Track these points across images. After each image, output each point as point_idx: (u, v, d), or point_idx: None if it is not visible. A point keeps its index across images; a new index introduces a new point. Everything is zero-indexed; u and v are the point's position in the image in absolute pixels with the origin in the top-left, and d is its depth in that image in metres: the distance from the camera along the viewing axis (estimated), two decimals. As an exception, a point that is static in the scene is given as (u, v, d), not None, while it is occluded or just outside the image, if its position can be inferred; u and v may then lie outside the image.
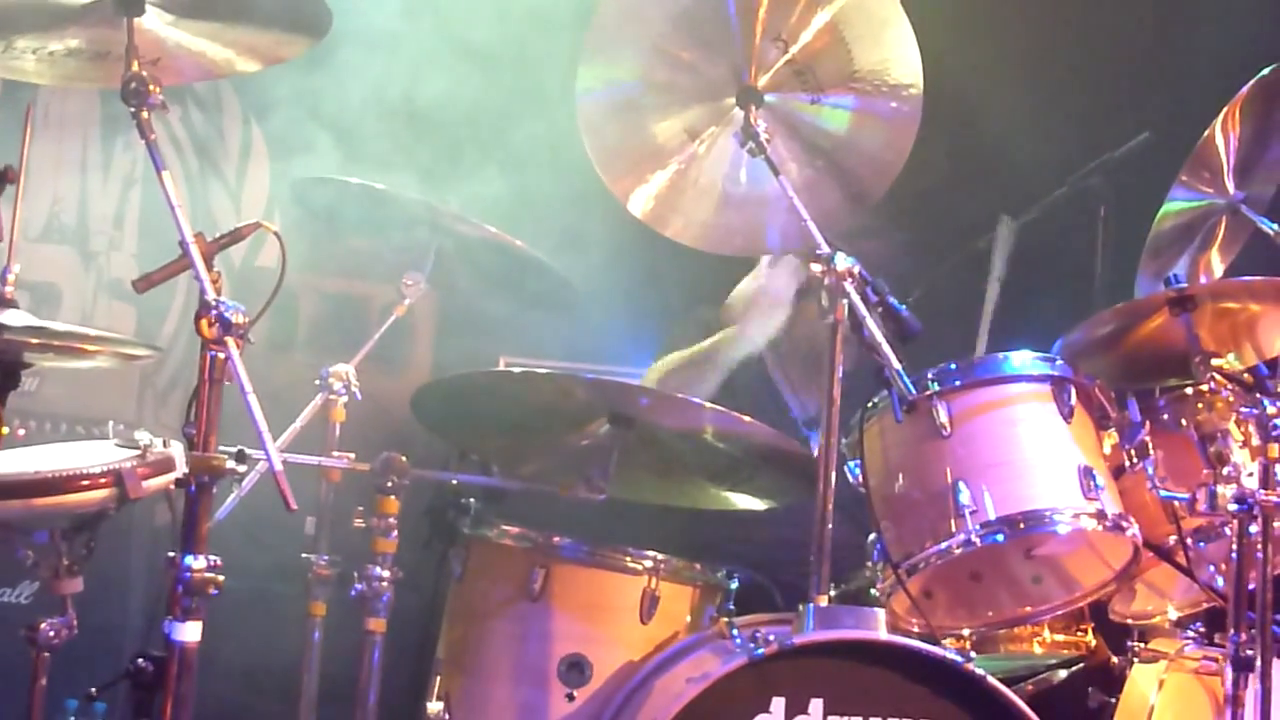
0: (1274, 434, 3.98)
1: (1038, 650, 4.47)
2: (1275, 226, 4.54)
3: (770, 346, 5.16)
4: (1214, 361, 4.17)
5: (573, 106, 4.33)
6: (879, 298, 3.92)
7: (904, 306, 3.97)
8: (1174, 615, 4.59)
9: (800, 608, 3.84)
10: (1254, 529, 3.94)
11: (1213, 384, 4.15)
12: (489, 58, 5.86)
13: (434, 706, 4.26)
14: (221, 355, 3.19)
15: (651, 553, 4.20)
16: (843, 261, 3.86)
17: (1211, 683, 4.32)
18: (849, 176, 4.39)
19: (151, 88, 3.44)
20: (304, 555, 4.59)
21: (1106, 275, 5.80)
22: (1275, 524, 3.95)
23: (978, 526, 3.96)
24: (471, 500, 4.36)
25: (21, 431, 5.37)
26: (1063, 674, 4.64)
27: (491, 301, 5.32)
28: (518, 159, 5.67)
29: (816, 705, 3.76)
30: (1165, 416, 4.31)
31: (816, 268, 3.89)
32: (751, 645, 3.75)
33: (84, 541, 3.60)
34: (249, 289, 5.85)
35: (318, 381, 4.60)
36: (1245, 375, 4.25)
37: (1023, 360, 4.18)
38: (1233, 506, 3.94)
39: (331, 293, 6.15)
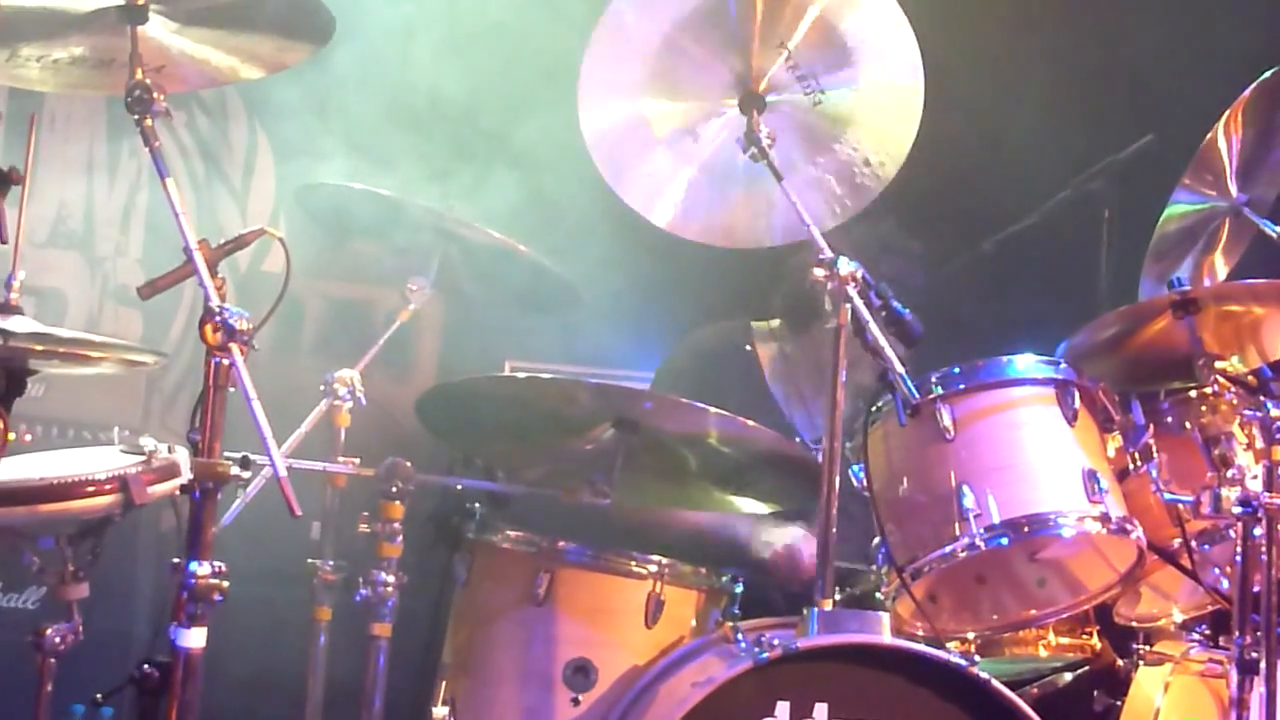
0: (1278, 436, 3.98)
1: (1043, 653, 4.48)
2: (1278, 229, 4.54)
3: (780, 362, 5.18)
4: (1218, 364, 4.17)
5: (576, 108, 4.33)
6: (882, 302, 3.92)
7: (907, 310, 3.98)
8: (1179, 618, 4.59)
9: (804, 612, 3.84)
10: (1258, 531, 3.93)
11: (1216, 387, 4.16)
12: (493, 62, 5.87)
13: (439, 711, 4.27)
14: (226, 361, 3.19)
15: (656, 557, 4.20)
16: (845, 266, 3.86)
17: (1217, 685, 4.33)
18: (855, 169, 4.38)
19: (155, 95, 3.45)
20: (309, 560, 4.60)
21: (1110, 278, 5.80)
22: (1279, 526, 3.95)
23: (982, 530, 3.96)
24: (476, 505, 4.36)
25: (28, 437, 5.38)
26: (1068, 677, 4.64)
27: (496, 306, 5.33)
28: (523, 164, 5.68)
29: (821, 709, 3.76)
30: (1169, 419, 4.32)
31: (820, 272, 3.89)
32: (756, 649, 3.75)
33: (90, 547, 3.60)
34: (254, 294, 5.88)
35: (323, 387, 4.60)
36: (1249, 378, 4.25)
37: (1026, 363, 4.18)
38: (1237, 509, 3.94)
39: (337, 298, 6.16)
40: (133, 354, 3.75)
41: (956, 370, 4.14)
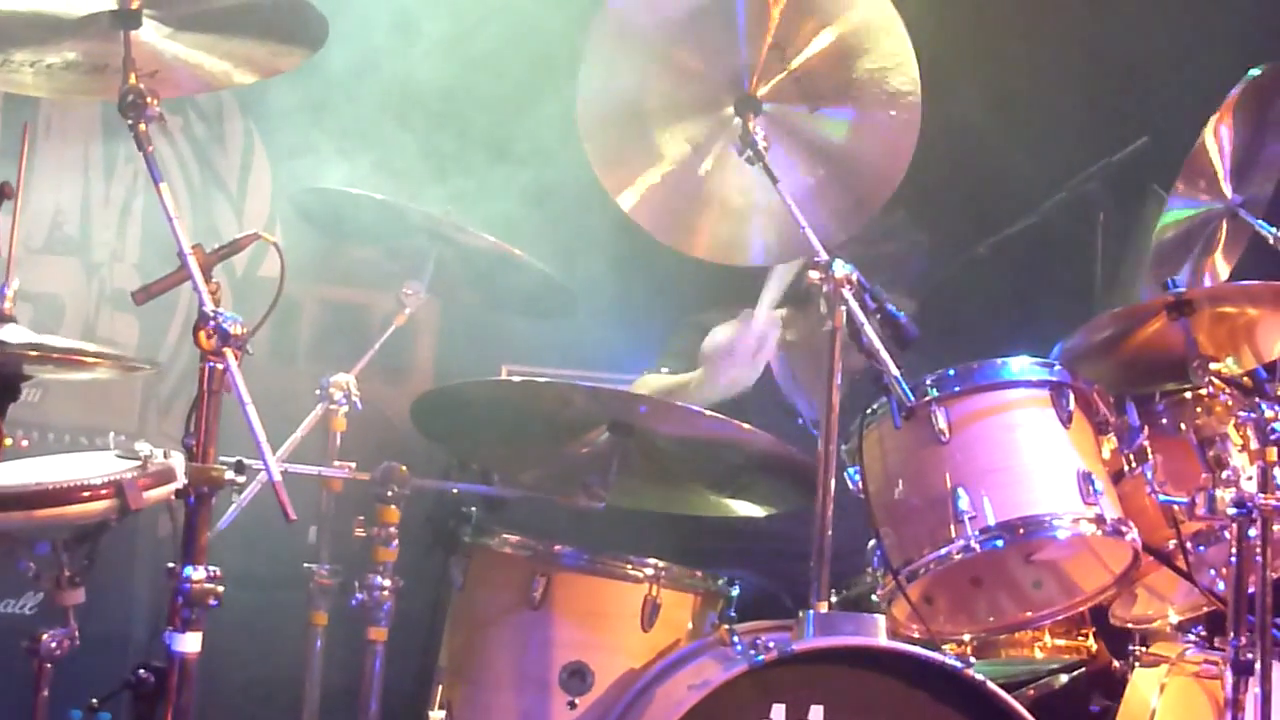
0: (1272, 438, 3.98)
1: (1039, 655, 4.48)
2: (1274, 231, 4.54)
3: (780, 347, 5.19)
4: (1212, 366, 4.18)
5: (573, 113, 4.34)
6: (877, 304, 3.93)
7: (902, 313, 3.98)
8: (1175, 619, 4.59)
9: (800, 614, 3.85)
10: (1253, 532, 3.94)
11: (1211, 388, 4.17)
12: (489, 66, 5.88)
13: (436, 715, 4.28)
14: (220, 366, 3.20)
15: (652, 560, 4.21)
16: (840, 268, 3.87)
17: (1212, 686, 4.32)
18: (851, 183, 4.39)
19: (149, 100, 3.45)
20: (305, 565, 4.60)
21: (1106, 280, 5.80)
22: (1274, 527, 3.95)
23: (977, 532, 3.97)
24: (472, 509, 4.37)
25: (24, 443, 5.38)
26: (1064, 678, 4.64)
27: (492, 310, 5.34)
28: (519, 168, 5.69)
29: (817, 712, 3.76)
30: (1164, 421, 4.32)
31: (814, 275, 3.90)
32: (752, 652, 3.76)
33: (86, 552, 3.60)
34: (251, 298, 5.88)
35: (318, 391, 4.61)
36: (1244, 379, 4.26)
37: (1021, 366, 4.19)
38: (1232, 510, 3.95)
39: (332, 302, 6.16)
40: (127, 361, 3.75)
41: (951, 372, 4.15)
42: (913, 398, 3.84)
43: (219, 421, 3.24)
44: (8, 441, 3.56)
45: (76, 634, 3.56)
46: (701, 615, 4.29)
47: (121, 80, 3.49)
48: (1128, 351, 4.31)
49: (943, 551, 3.99)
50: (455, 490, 4.45)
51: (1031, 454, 4.11)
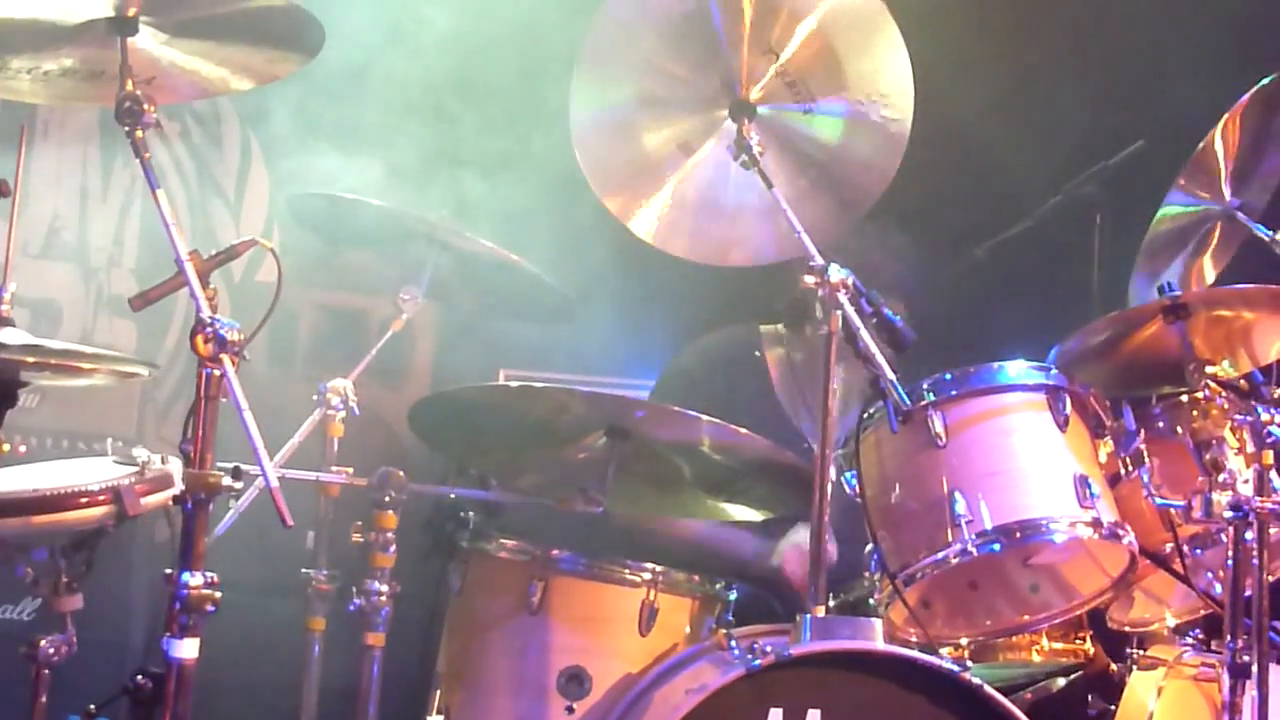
0: (1269, 441, 3.99)
1: (1036, 659, 4.47)
2: (1272, 234, 4.55)
3: (786, 368, 5.18)
4: (1208, 369, 4.18)
5: (568, 120, 4.35)
6: (873, 309, 3.94)
7: (898, 317, 3.99)
8: (1172, 622, 4.59)
9: (797, 618, 3.85)
10: (1250, 535, 3.94)
11: (1208, 391, 4.17)
12: (486, 71, 5.89)
13: (434, 720, 4.28)
14: (218, 372, 3.20)
15: (650, 565, 4.21)
16: (836, 273, 3.88)
17: (1210, 689, 4.33)
18: (842, 185, 4.41)
19: (146, 107, 3.45)
20: (303, 570, 4.60)
21: (1103, 283, 5.81)
22: (1271, 530, 3.96)
23: (974, 536, 3.97)
24: (470, 514, 4.37)
25: (22, 448, 5.39)
26: (1061, 682, 4.64)
27: (489, 315, 5.34)
28: (516, 173, 5.69)
29: (814, 716, 3.76)
30: (1161, 424, 4.32)
31: (811, 279, 3.90)
32: (749, 656, 3.76)
33: (83, 558, 3.61)
34: (248, 304, 5.88)
35: (316, 396, 4.61)
36: (1240, 382, 4.26)
37: (1017, 370, 4.19)
38: (1228, 513, 3.94)
39: (330, 307, 6.16)
40: (125, 365, 3.75)
41: (948, 376, 4.15)
42: (909, 402, 3.85)
43: (216, 427, 3.25)
44: (5, 447, 3.57)
45: (74, 640, 3.57)
46: (699, 620, 4.29)
47: (118, 87, 3.49)
48: (1124, 355, 4.31)
49: (940, 555, 3.99)
50: (453, 495, 4.45)
51: (1028, 458, 4.12)
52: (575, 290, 5.05)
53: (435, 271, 4.84)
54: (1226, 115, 4.47)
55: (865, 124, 4.34)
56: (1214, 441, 4.10)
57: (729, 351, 5.30)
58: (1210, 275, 4.72)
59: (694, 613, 4.28)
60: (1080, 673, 4.62)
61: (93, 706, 3.52)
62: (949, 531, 3.98)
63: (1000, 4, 6.36)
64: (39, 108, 6.09)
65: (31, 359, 3.42)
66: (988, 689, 3.76)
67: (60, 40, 3.57)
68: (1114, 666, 4.62)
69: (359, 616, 4.42)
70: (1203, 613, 4.52)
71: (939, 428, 4.06)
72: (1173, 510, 4.15)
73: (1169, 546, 4.25)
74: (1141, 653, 4.60)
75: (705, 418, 4.08)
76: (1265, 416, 4.00)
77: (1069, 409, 4.16)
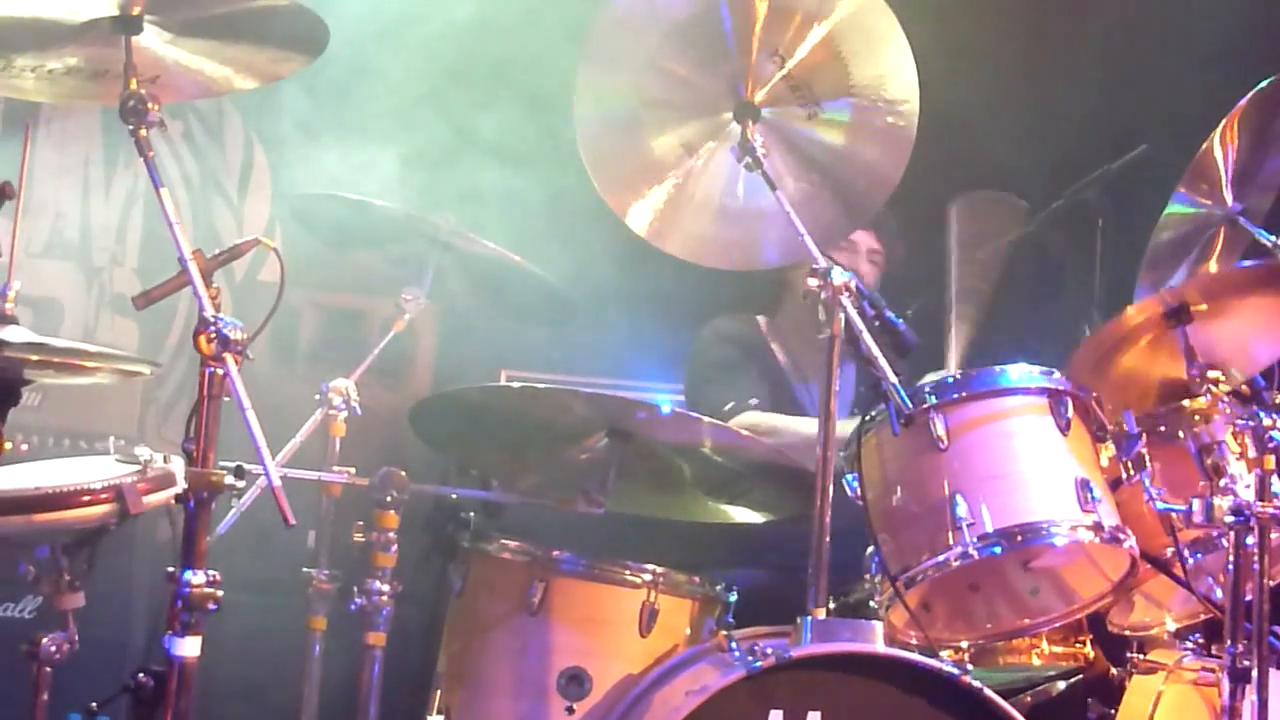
0: (1270, 445, 3.99)
1: (1036, 662, 4.47)
2: (1273, 238, 4.55)
3: (786, 356, 5.21)
4: (1210, 374, 4.18)
5: (571, 119, 4.35)
6: (875, 311, 3.94)
7: (900, 320, 3.99)
8: (1172, 626, 4.59)
9: (798, 620, 3.85)
10: (1250, 540, 3.94)
11: (1209, 396, 4.17)
12: (489, 71, 5.89)
13: (434, 720, 4.28)
14: (220, 371, 3.20)
15: (651, 566, 4.21)
16: (839, 276, 3.88)
17: (1210, 694, 4.32)
18: (846, 190, 4.41)
19: (150, 106, 3.46)
20: (304, 570, 4.60)
21: (1104, 287, 5.80)
22: (1271, 535, 3.95)
23: (975, 539, 3.96)
24: (471, 514, 4.37)
25: (24, 447, 5.39)
26: (1061, 685, 4.65)
27: (491, 316, 5.34)
28: (519, 174, 5.69)
29: (814, 718, 3.77)
30: (1162, 428, 4.31)
31: (813, 282, 3.91)
32: (750, 658, 3.76)
33: (85, 557, 3.61)
34: (250, 304, 5.89)
35: (318, 396, 4.62)
36: (1242, 387, 4.26)
37: (1019, 373, 4.18)
38: (1229, 518, 3.94)
39: (332, 307, 6.17)
40: (128, 364, 3.76)
41: (950, 379, 4.16)
42: (911, 404, 3.85)
43: (219, 426, 3.25)
44: (7, 446, 3.57)
45: (76, 638, 3.58)
46: (699, 621, 4.29)
47: (122, 86, 3.50)
48: (1124, 368, 4.31)
49: (941, 558, 3.98)
50: (454, 495, 4.45)
51: (1029, 461, 4.11)
52: (577, 291, 5.05)
53: (437, 272, 4.85)
54: (1226, 119, 4.46)
55: (870, 129, 4.35)
56: (1215, 446, 4.10)
57: (739, 332, 5.43)
58: (1216, 279, 4.71)
59: (694, 614, 4.28)
60: (1080, 676, 4.62)
61: (94, 705, 3.52)
62: (950, 534, 3.98)
63: (1003, 9, 6.36)
64: (42, 106, 6.09)
65: (35, 357, 3.42)
66: (988, 692, 3.77)
67: (65, 39, 3.58)
68: (1114, 670, 4.62)
69: (360, 616, 4.43)
70: (1203, 617, 4.52)
71: (941, 430, 4.06)
72: (1174, 514, 4.14)
73: (1170, 551, 4.25)
74: (1141, 657, 4.59)
75: (707, 419, 4.08)
76: (1267, 421, 4.00)
77: (1070, 412, 4.16)
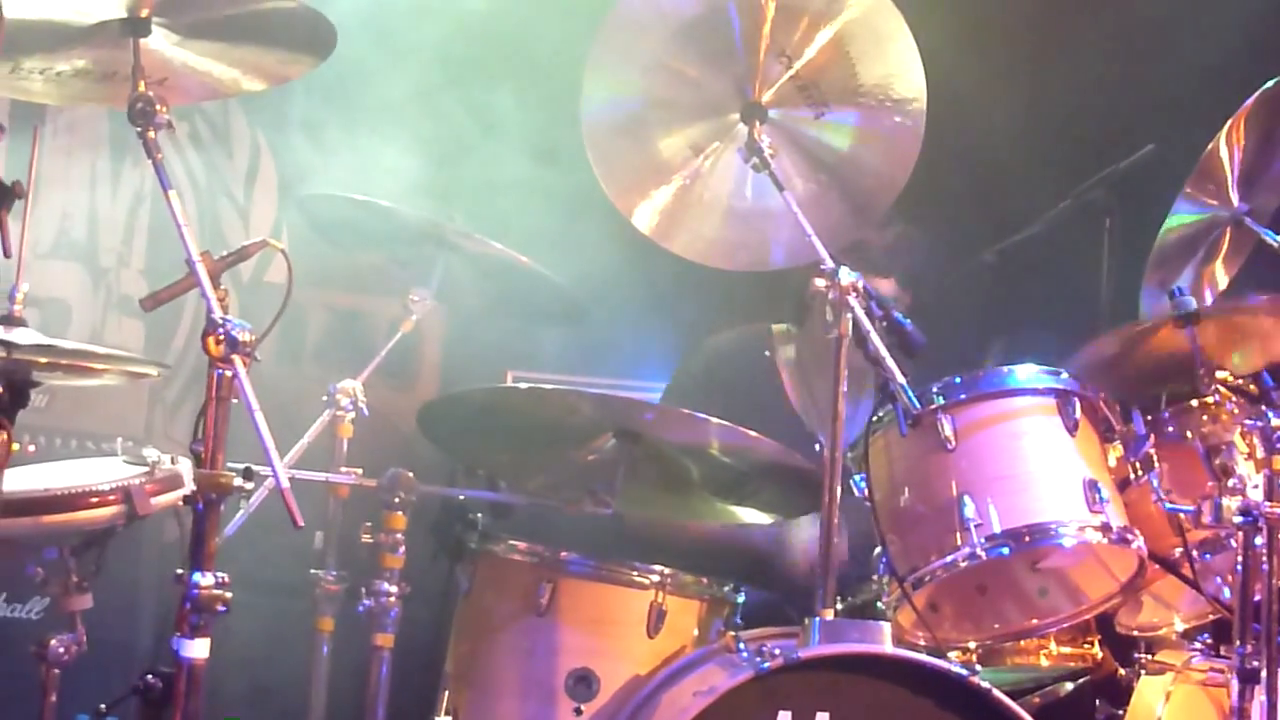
0: (1278, 446, 3.98)
1: (1044, 663, 4.48)
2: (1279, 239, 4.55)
3: (796, 367, 5.18)
4: (1219, 373, 4.18)
5: (579, 119, 4.35)
6: (883, 312, 3.94)
7: (908, 320, 3.99)
8: (1180, 627, 4.59)
9: (806, 621, 3.85)
10: (1259, 540, 3.93)
11: (1218, 396, 4.16)
12: (494, 71, 5.89)
13: (442, 721, 4.28)
14: (229, 373, 3.21)
15: (658, 567, 4.21)
16: (846, 276, 3.88)
17: (1218, 694, 4.32)
18: (853, 191, 4.41)
19: (158, 108, 3.46)
20: (312, 571, 4.61)
21: (1112, 287, 5.80)
22: (1280, 536, 3.96)
23: (983, 540, 3.96)
24: (478, 515, 4.37)
25: (32, 448, 5.38)
26: (1069, 686, 4.65)
27: (498, 317, 5.34)
28: (526, 174, 5.69)
29: (822, 719, 3.77)
30: (1170, 429, 4.31)
31: (820, 283, 3.90)
32: (758, 659, 3.76)
33: (93, 558, 3.62)
34: (258, 304, 5.88)
35: (325, 397, 4.62)
36: (1250, 387, 4.26)
37: (1027, 373, 4.19)
38: (1238, 518, 3.94)
39: (339, 309, 6.17)
40: (135, 365, 3.76)
41: (958, 380, 4.15)
42: (919, 405, 3.85)
43: (227, 427, 3.25)
44: (15, 447, 3.57)
45: (84, 639, 3.58)
46: (707, 622, 4.29)
47: (131, 88, 3.50)
48: (1134, 362, 4.31)
49: (949, 559, 3.99)
50: (462, 497, 4.46)
51: (1037, 462, 4.11)
52: (585, 292, 5.05)
53: (445, 273, 4.84)
54: (1231, 120, 4.46)
55: (878, 130, 4.35)
56: (1224, 446, 4.09)
57: (738, 353, 5.29)
58: (1222, 281, 4.71)
59: (702, 615, 4.29)
60: (1088, 677, 4.63)
61: (102, 706, 3.53)
62: (958, 535, 3.98)
63: (1011, 11, 6.35)
64: (49, 108, 6.10)
65: (44, 359, 3.42)
66: (996, 693, 3.76)
67: (73, 41, 3.58)
68: (1122, 671, 4.63)
69: (368, 617, 4.44)
70: (1211, 618, 4.52)
71: (948, 431, 4.06)
72: (1182, 515, 4.15)
73: (1178, 551, 4.25)
74: (1150, 657, 4.60)
75: (715, 420, 4.08)
76: (1275, 421, 3.99)
77: (1078, 413, 4.16)
